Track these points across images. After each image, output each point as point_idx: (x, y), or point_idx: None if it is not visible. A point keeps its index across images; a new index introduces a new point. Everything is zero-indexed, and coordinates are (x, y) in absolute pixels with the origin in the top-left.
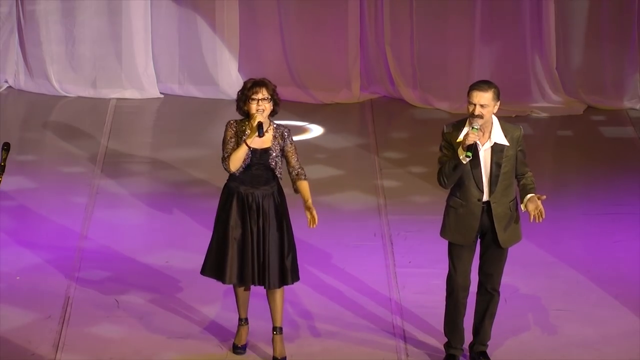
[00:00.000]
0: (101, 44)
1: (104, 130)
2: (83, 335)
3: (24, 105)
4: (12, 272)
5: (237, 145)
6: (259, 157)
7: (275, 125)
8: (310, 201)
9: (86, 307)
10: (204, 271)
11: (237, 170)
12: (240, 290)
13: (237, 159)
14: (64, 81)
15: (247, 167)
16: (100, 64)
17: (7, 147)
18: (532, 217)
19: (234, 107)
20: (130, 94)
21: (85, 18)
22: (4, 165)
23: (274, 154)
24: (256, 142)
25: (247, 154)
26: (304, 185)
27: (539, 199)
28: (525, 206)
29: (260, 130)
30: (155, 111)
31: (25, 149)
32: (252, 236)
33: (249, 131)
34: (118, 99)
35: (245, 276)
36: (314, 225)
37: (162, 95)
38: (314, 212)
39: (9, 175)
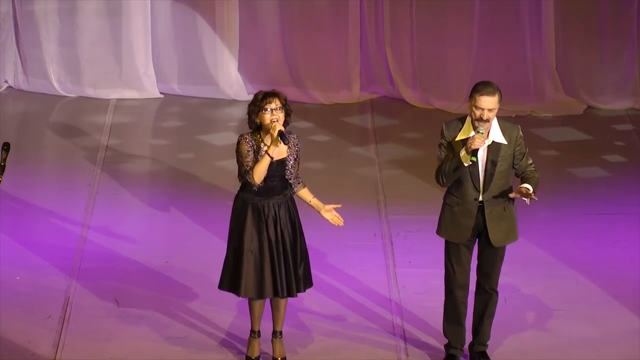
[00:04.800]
0: (101, 44)
1: (104, 130)
2: (83, 335)
3: (24, 105)
4: (12, 272)
5: (256, 158)
6: (275, 168)
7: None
8: (320, 202)
9: (86, 307)
10: (221, 285)
11: (261, 183)
12: (257, 303)
13: (261, 171)
14: (64, 81)
15: (263, 180)
16: (100, 64)
17: (7, 147)
18: (526, 198)
19: (234, 107)
20: (130, 94)
21: (85, 18)
22: (4, 165)
23: (290, 165)
24: (273, 154)
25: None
26: (306, 191)
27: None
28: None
29: (283, 138)
30: (155, 111)
31: (25, 149)
32: (270, 246)
33: (262, 144)
34: (118, 99)
35: (265, 288)
36: (342, 223)
37: (162, 95)
38: (335, 211)
39: (9, 175)
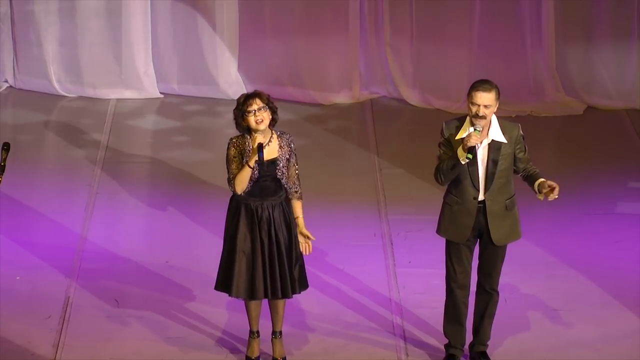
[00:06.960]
0: (101, 44)
1: (104, 130)
2: (83, 335)
3: (24, 105)
4: (12, 272)
5: (241, 163)
6: (266, 168)
7: (279, 133)
8: (303, 223)
9: (86, 307)
10: (216, 286)
11: (243, 191)
12: (252, 304)
13: (242, 181)
14: (64, 81)
15: (255, 180)
16: (100, 64)
17: (7, 147)
18: (549, 197)
19: (234, 107)
20: (130, 94)
21: (86, 18)
22: (4, 165)
23: (281, 164)
24: (252, 164)
25: (254, 167)
26: (298, 205)
27: (549, 185)
28: (540, 192)
29: (260, 152)
30: (155, 111)
31: (25, 149)
32: (262, 248)
33: (250, 149)
34: (118, 99)
35: (256, 290)
36: (309, 252)
37: (162, 95)
38: (309, 240)
39: (8, 175)
